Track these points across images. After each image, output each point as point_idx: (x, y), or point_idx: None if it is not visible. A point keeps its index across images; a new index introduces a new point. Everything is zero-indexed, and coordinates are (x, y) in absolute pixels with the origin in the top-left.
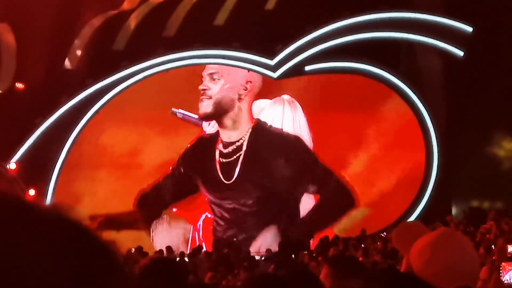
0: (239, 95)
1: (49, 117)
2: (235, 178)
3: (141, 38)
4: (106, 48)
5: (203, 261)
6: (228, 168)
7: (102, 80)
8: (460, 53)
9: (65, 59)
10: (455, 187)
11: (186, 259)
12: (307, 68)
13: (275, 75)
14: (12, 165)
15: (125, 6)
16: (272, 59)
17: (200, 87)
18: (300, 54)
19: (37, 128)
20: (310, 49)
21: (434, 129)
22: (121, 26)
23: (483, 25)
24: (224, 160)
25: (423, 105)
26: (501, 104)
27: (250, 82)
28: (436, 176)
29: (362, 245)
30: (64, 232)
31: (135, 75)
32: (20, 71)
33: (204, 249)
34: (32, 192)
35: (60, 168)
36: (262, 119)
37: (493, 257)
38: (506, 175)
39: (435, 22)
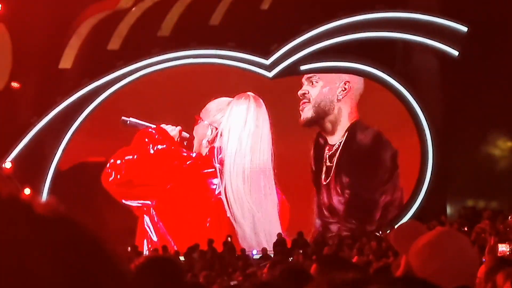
0: (338, 96)
1: (45, 116)
2: (329, 180)
3: (137, 38)
4: (101, 47)
5: (197, 260)
6: (327, 171)
7: (97, 80)
8: (455, 53)
9: (60, 59)
10: (450, 186)
11: (182, 258)
12: (302, 67)
13: (270, 74)
14: (7, 164)
15: (121, 6)
16: (267, 59)
17: (299, 92)
18: (295, 53)
19: (33, 127)
20: (305, 48)
21: (429, 129)
22: (116, 26)
23: (478, 25)
24: (328, 164)
25: (418, 104)
26: (497, 103)
27: (348, 82)
28: (431, 175)
29: (357, 244)
30: (60, 231)
31: (130, 74)
32: (16, 71)
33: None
34: (27, 191)
35: (56, 167)
36: (228, 116)
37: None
38: (501, 174)
39: (430, 22)
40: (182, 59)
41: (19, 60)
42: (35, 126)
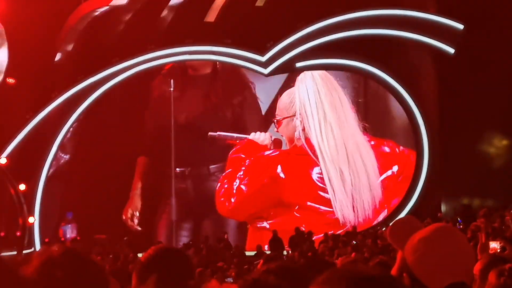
0: None
1: (40, 112)
2: None
3: (133, 34)
4: (97, 44)
5: (193, 257)
6: None
7: (93, 76)
8: (451, 51)
9: (56, 55)
10: (445, 184)
11: None
12: (298, 64)
13: (266, 71)
14: (2, 160)
15: (116, 1)
16: (263, 56)
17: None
18: (291, 50)
19: (28, 123)
20: (301, 45)
21: (425, 126)
22: (112, 22)
23: (474, 23)
24: None
25: (414, 102)
26: (492, 101)
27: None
28: (426, 173)
29: (353, 242)
30: None
31: (126, 70)
32: (11, 66)
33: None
34: (22, 186)
35: (51, 163)
36: (297, 98)
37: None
38: (497, 172)
39: (426, 20)
40: (177, 55)
41: (14, 56)
42: (30, 122)
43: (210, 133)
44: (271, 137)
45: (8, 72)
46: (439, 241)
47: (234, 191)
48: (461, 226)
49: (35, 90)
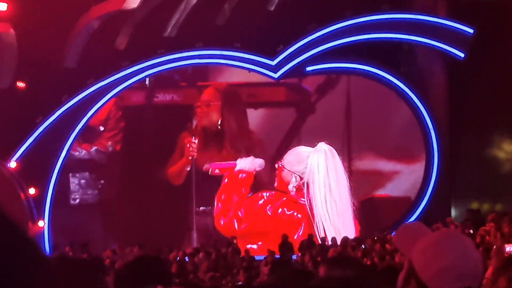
0: None
1: (50, 116)
2: None
3: (143, 37)
4: (107, 47)
5: (202, 261)
6: None
7: (103, 80)
8: (461, 55)
9: (66, 58)
10: (455, 188)
11: (187, 258)
12: (308, 68)
13: (276, 75)
14: (12, 164)
15: (126, 5)
16: (273, 60)
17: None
18: (301, 54)
19: (38, 127)
20: (311, 49)
21: (434, 131)
22: (122, 26)
23: (485, 27)
24: None
25: (424, 106)
26: (502, 106)
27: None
28: (436, 177)
29: (362, 246)
30: None
31: (136, 75)
32: (22, 70)
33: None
34: (32, 190)
35: (61, 167)
36: (309, 165)
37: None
38: (506, 177)
39: (436, 24)
40: (187, 59)
41: (25, 59)
42: (40, 125)
43: (205, 166)
44: (261, 165)
45: (18, 76)
46: (447, 245)
47: (220, 223)
48: (470, 231)
49: (45, 93)
